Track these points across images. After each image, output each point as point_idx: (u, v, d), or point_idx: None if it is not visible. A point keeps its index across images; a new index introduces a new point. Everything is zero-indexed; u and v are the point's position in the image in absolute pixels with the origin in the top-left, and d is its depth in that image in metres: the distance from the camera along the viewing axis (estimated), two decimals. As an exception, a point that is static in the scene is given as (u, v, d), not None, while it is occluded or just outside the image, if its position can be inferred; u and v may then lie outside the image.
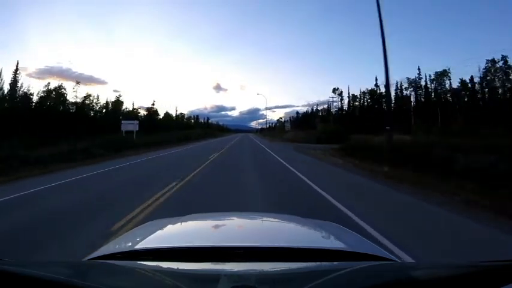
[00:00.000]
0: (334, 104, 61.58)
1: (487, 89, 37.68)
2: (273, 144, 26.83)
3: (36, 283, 0.61)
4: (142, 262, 0.91)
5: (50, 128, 24.61)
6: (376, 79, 51.82)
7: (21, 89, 30.62)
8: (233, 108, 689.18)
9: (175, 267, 0.86)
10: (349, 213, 4.25)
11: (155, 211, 4.47)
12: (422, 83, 45.19)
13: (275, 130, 66.44)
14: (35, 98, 31.75)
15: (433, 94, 43.61)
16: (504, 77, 35.42)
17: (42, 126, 24.56)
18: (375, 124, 40.91)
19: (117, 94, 44.17)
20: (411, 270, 0.86)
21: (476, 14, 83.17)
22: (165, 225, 1.40)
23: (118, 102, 41.21)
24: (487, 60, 36.44)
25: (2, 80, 29.69)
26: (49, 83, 34.13)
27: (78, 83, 35.58)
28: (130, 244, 1.13)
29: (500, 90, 36.30)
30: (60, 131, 23.37)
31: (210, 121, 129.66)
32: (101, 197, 5.68)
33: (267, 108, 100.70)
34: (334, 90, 57.63)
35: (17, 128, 22.46)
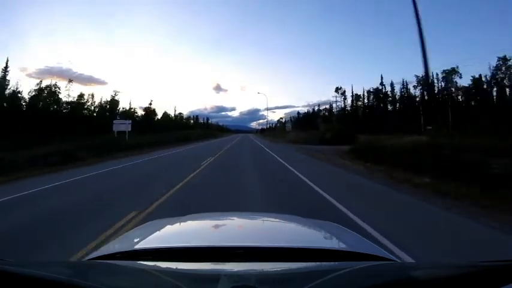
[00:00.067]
0: (336, 104, 59.87)
1: (495, 88, 35.96)
2: (275, 146, 25.56)
3: (37, 283, 0.62)
4: (142, 262, 0.91)
5: (40, 129, 23.30)
6: (382, 78, 50.59)
7: (10, 88, 29.07)
8: (233, 109, 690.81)
9: (175, 267, 0.87)
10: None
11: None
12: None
13: (275, 130, 64.94)
14: (26, 97, 30.15)
15: (431, 92, 41.45)
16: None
17: (30, 127, 23.19)
18: (379, 124, 39.55)
19: (113, 93, 41.84)
20: (411, 270, 0.86)
21: (476, 14, 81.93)
22: (165, 225, 1.40)
23: (113, 102, 39.65)
24: (498, 57, 34.84)
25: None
26: (41, 81, 32.61)
27: (70, 81, 34.44)
28: (130, 244, 1.12)
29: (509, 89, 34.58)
30: (50, 131, 22.08)
31: (210, 121, 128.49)
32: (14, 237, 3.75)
33: (268, 109, 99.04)
34: (337, 90, 56.33)
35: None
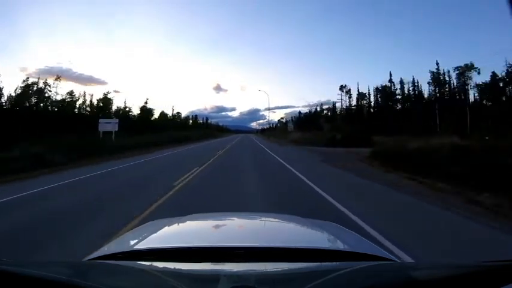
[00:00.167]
0: (338, 104, 57.59)
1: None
2: (282, 149, 22.07)
3: (37, 283, 0.62)
4: (142, 262, 0.93)
5: (23, 128, 21.24)
6: (391, 74, 47.86)
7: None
8: (233, 109, 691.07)
9: (176, 268, 0.88)
10: None
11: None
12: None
13: (276, 131, 62.78)
14: (13, 95, 28.02)
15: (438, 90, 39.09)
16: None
17: (11, 126, 21.13)
18: (388, 124, 37.30)
19: (106, 92, 39.73)
20: (411, 270, 0.87)
21: (476, 15, 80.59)
22: (165, 225, 1.42)
23: (106, 101, 37.35)
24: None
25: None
26: (28, 78, 30.37)
27: (58, 78, 31.94)
28: (130, 244, 1.14)
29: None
30: (32, 131, 20.03)
31: (209, 121, 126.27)
32: None
33: (269, 109, 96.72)
34: (341, 88, 54.24)
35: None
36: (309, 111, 77.06)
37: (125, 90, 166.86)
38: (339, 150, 18.19)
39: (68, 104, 34.18)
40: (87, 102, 38.73)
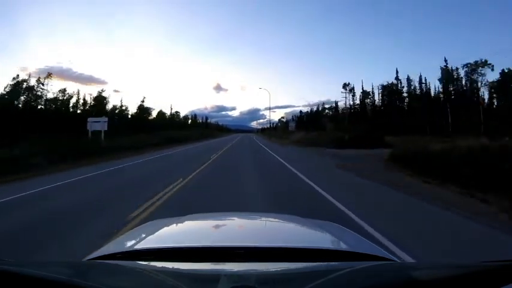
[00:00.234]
0: (341, 103, 56.13)
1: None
2: (286, 151, 19.93)
3: (37, 283, 0.63)
4: (142, 262, 0.94)
5: (9, 128, 20.08)
6: (397, 71, 46.30)
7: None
8: (233, 108, 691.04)
9: (176, 267, 0.89)
10: None
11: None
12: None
13: (276, 130, 61.42)
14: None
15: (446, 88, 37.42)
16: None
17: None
18: (393, 122, 35.97)
19: (101, 90, 38.29)
20: (411, 270, 0.88)
21: (476, 15, 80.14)
22: (165, 225, 1.43)
23: (100, 99, 35.89)
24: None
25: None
26: (18, 75, 29.01)
27: (49, 75, 30.44)
28: (130, 244, 1.15)
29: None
30: (18, 131, 18.85)
31: (209, 121, 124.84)
32: None
33: (270, 108, 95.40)
34: (344, 86, 52.62)
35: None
36: (310, 110, 75.85)
37: (125, 90, 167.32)
38: (350, 152, 16.60)
39: (60, 102, 32.75)
40: (81, 101, 37.18)
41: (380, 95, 50.92)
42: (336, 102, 60.93)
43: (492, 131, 19.73)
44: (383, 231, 3.88)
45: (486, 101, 37.09)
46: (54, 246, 3.63)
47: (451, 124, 31.32)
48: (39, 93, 32.52)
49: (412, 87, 45.89)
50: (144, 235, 1.24)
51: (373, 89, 53.01)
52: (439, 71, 40.49)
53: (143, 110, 44.99)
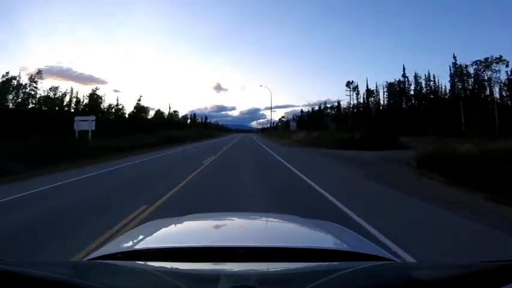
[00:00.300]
0: (343, 102, 54.67)
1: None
2: (292, 153, 17.99)
3: (37, 283, 0.63)
4: (142, 262, 0.94)
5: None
6: (404, 68, 44.51)
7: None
8: (233, 108, 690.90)
9: (176, 267, 0.89)
10: None
11: None
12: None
13: (277, 130, 60.03)
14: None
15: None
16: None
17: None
18: (398, 122, 34.52)
19: (95, 87, 36.81)
20: (411, 271, 0.88)
21: (476, 14, 79.29)
22: (166, 225, 1.43)
23: (94, 98, 34.37)
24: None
25: None
26: (7, 72, 27.55)
27: (39, 72, 28.92)
28: (130, 244, 1.16)
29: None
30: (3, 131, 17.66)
31: (209, 121, 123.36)
32: None
33: (271, 107, 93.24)
34: (348, 84, 50.94)
35: None
36: (312, 109, 74.47)
37: (125, 90, 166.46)
38: (364, 154, 14.88)
39: (51, 101, 31.27)
40: (76, 99, 35.68)
41: (385, 93, 49.46)
42: (339, 102, 59.70)
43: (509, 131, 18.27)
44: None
45: (499, 98, 35.42)
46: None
47: (464, 123, 29.76)
48: (30, 91, 31.16)
49: (416, 86, 44.12)
50: (144, 235, 1.25)
51: (377, 87, 51.47)
52: (440, 70, 38.86)
53: (140, 109, 43.51)
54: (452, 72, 38.87)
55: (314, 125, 47.37)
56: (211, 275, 0.86)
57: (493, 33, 74.64)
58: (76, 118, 19.13)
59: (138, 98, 44.59)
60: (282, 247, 1.04)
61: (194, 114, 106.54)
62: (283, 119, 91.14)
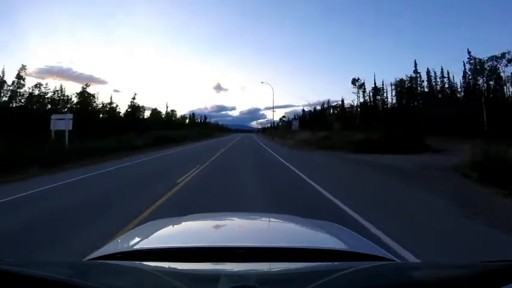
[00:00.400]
0: (347, 100, 52.22)
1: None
2: (308, 159, 14.47)
3: (37, 283, 0.63)
4: (142, 262, 0.94)
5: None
6: (416, 64, 41.61)
7: None
8: (233, 108, 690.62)
9: (176, 267, 0.90)
10: None
11: None
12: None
13: (278, 130, 57.89)
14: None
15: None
16: None
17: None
18: (406, 122, 32.10)
19: (85, 85, 34.52)
20: (412, 271, 0.89)
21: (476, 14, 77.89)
22: (166, 225, 1.43)
23: (85, 95, 32.10)
24: None
25: None
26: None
27: (23, 68, 26.79)
28: (130, 244, 1.16)
29: None
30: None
31: (208, 120, 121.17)
32: None
33: (273, 105, 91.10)
34: (354, 81, 48.76)
35: None
36: (314, 109, 72.38)
37: (125, 90, 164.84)
38: (395, 160, 12.11)
39: (36, 98, 29.09)
40: (62, 97, 33.44)
41: (393, 91, 47.06)
42: (342, 100, 57.52)
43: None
44: None
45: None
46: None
47: (486, 123, 27.43)
48: (16, 89, 29.00)
49: (429, 82, 41.45)
50: (144, 235, 1.25)
51: (383, 85, 48.85)
52: (448, 67, 36.48)
53: (135, 108, 41.31)
54: (470, 67, 35.90)
55: (317, 125, 45.10)
56: (211, 275, 0.86)
57: (492, 33, 73.05)
58: (53, 117, 16.52)
59: (132, 97, 42.49)
60: (282, 247, 1.05)
61: (193, 113, 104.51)
62: (284, 118, 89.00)
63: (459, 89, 38.85)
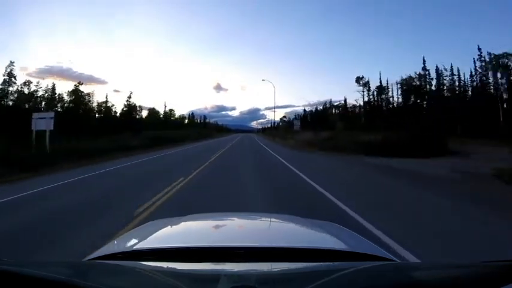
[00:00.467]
0: (350, 100, 50.66)
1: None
2: (326, 165, 11.99)
3: (37, 283, 0.63)
4: (142, 262, 0.95)
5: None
6: (424, 61, 40.19)
7: None
8: (233, 108, 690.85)
9: (176, 267, 0.90)
10: None
11: None
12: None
13: (278, 130, 56.58)
14: None
15: None
16: None
17: None
18: (409, 121, 30.69)
19: (78, 83, 33.11)
20: (412, 271, 0.89)
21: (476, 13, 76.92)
22: (166, 225, 1.42)
23: (77, 94, 30.66)
24: None
25: None
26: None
27: (11, 63, 25.42)
28: (130, 244, 1.15)
29: None
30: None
31: (208, 120, 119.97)
32: None
33: (274, 104, 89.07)
34: (358, 80, 47.24)
35: None
36: (315, 109, 71.10)
37: (125, 90, 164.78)
38: (422, 165, 10.56)
39: (24, 97, 27.69)
40: (52, 96, 31.93)
41: (399, 90, 45.42)
42: (345, 100, 56.29)
43: None
44: None
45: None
46: None
47: (504, 121, 25.95)
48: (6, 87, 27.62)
49: (438, 80, 39.81)
50: (144, 235, 1.25)
51: (387, 83, 47.25)
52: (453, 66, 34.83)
53: (131, 108, 39.89)
54: (481, 65, 34.50)
55: (319, 125, 43.71)
56: (211, 275, 0.86)
57: (493, 33, 71.61)
58: (34, 115, 15.09)
59: (128, 96, 41.03)
60: (282, 247, 1.05)
61: (192, 113, 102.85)
62: (284, 118, 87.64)
63: (468, 87, 37.75)
